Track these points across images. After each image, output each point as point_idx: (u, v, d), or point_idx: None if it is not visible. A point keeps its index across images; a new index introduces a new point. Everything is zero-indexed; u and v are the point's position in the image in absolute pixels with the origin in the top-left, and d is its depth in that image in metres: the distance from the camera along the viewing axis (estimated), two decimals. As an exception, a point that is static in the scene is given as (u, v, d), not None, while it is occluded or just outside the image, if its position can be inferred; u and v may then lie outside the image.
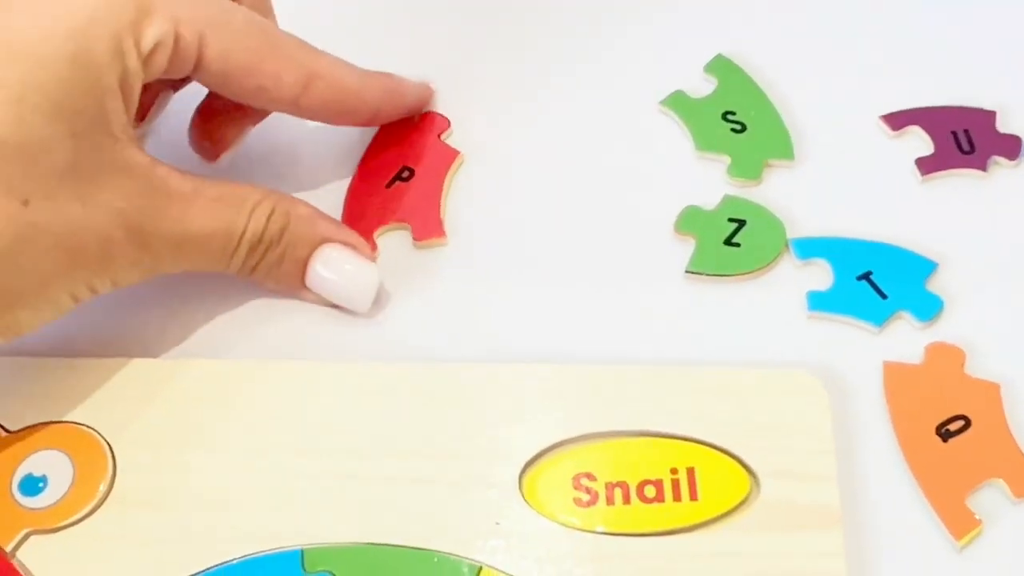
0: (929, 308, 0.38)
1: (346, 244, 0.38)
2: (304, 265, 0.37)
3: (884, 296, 0.38)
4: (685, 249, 0.40)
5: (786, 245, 0.39)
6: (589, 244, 0.40)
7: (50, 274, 0.33)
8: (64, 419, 0.37)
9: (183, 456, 0.36)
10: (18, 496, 0.35)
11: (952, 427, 0.35)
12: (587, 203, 0.41)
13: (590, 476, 0.35)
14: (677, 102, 0.43)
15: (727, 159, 0.42)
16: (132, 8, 0.33)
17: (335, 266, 0.37)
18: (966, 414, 0.35)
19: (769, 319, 0.38)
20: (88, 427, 0.36)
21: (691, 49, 0.45)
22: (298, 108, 0.38)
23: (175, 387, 0.37)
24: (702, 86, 0.44)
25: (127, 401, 0.37)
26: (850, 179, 0.41)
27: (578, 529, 0.34)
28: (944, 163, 0.41)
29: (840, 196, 0.41)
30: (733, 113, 0.43)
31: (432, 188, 0.41)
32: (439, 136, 0.43)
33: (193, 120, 0.41)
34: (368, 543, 0.34)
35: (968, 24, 0.45)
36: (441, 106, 0.43)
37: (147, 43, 0.33)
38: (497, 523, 0.34)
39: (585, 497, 0.34)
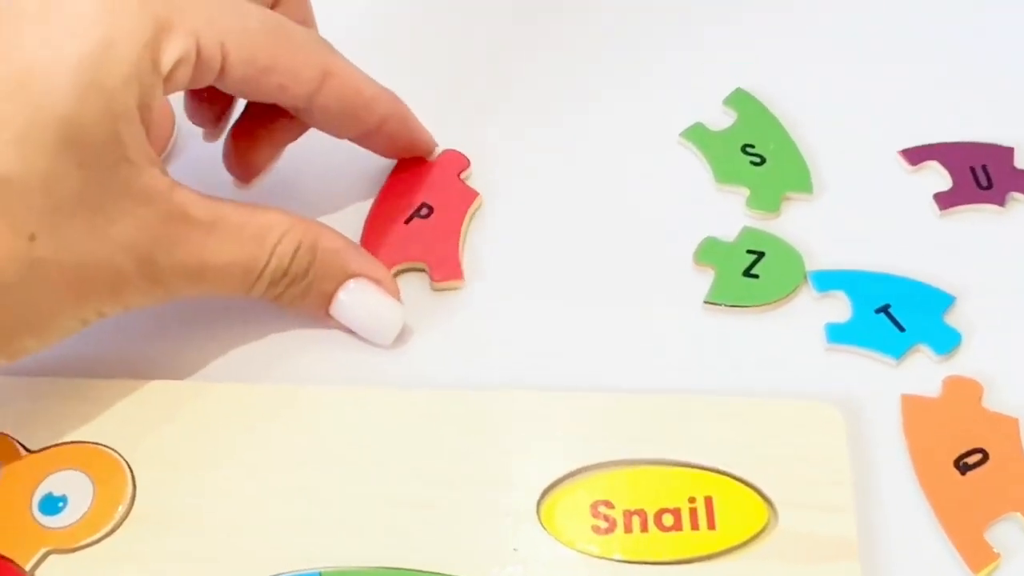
0: (947, 341, 0.38)
1: (373, 279, 0.37)
2: (330, 298, 0.37)
3: (902, 329, 0.38)
4: (704, 280, 0.40)
5: (804, 277, 0.40)
6: (609, 274, 0.40)
7: (57, 306, 0.33)
8: (85, 440, 0.37)
9: (203, 478, 0.36)
10: (38, 515, 0.35)
11: (970, 460, 0.35)
12: (607, 234, 0.41)
13: (608, 504, 0.35)
14: (697, 134, 0.44)
15: (746, 191, 0.42)
16: (150, 27, 0.32)
17: (361, 302, 0.37)
18: (984, 447, 0.35)
19: (787, 350, 0.38)
20: (108, 448, 0.36)
21: (711, 83, 0.45)
22: (312, 107, 0.37)
23: (196, 410, 0.37)
24: (721, 119, 0.44)
25: (148, 422, 0.37)
26: (868, 212, 0.41)
27: (595, 556, 0.34)
28: (962, 198, 0.41)
29: (858, 229, 0.41)
30: (752, 146, 0.43)
31: (451, 228, 0.41)
32: (459, 175, 0.43)
33: (226, 143, 0.40)
34: (386, 567, 0.34)
35: (986, 61, 0.46)
36: (461, 138, 0.44)
37: (167, 61, 0.33)
38: (515, 549, 0.34)
39: (603, 524, 0.35)
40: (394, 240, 0.41)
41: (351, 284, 0.37)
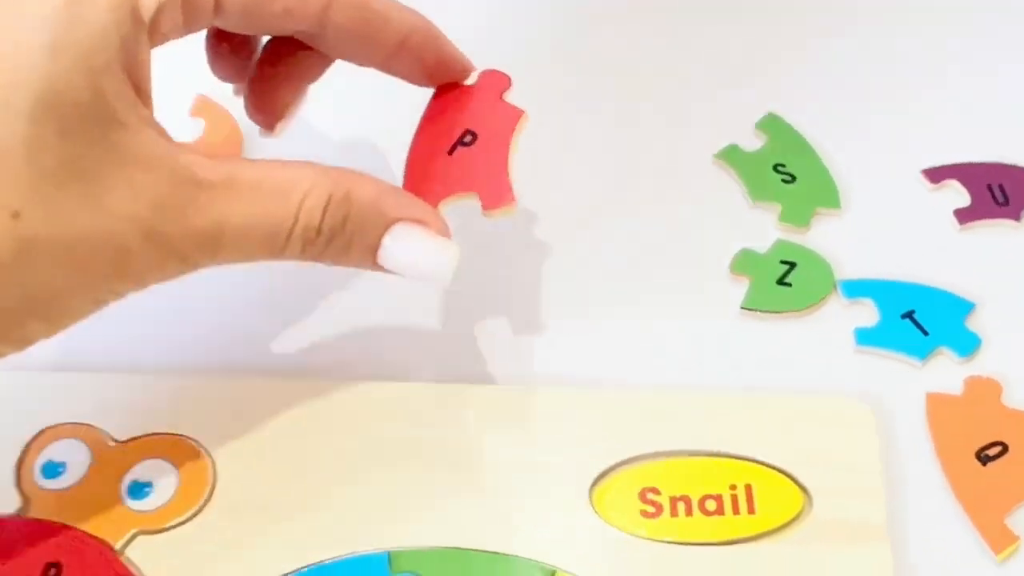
0: (968, 344, 0.41)
1: (419, 222, 0.34)
2: (375, 250, 0.34)
3: (926, 333, 0.41)
4: (740, 288, 0.43)
5: (834, 286, 0.43)
6: (651, 283, 0.43)
7: (60, 288, 0.30)
8: (168, 431, 0.39)
9: (280, 467, 0.38)
10: (127, 500, 0.38)
11: (991, 452, 0.38)
12: (650, 246, 0.44)
13: (655, 491, 0.38)
14: (731, 155, 0.47)
15: (778, 207, 0.45)
16: None
17: (409, 248, 0.34)
18: (1004, 440, 0.38)
19: (819, 353, 0.41)
20: (190, 438, 0.39)
21: (744, 108, 0.48)
22: (324, 30, 0.35)
23: (270, 403, 0.40)
24: (754, 141, 0.47)
25: (228, 415, 0.39)
26: (893, 227, 0.44)
27: (644, 538, 0.37)
28: (980, 213, 0.44)
29: (884, 242, 0.44)
30: (783, 165, 0.46)
31: (498, 151, 0.38)
32: (501, 95, 0.39)
33: (246, 90, 0.38)
34: (451, 547, 0.37)
35: (1003, 87, 0.49)
36: None
37: (148, 7, 0.30)
38: (570, 531, 0.37)
39: (651, 509, 0.37)
40: (438, 173, 0.38)
41: (396, 230, 0.34)
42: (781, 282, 0.42)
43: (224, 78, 0.39)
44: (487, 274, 0.43)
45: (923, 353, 0.40)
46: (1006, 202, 0.44)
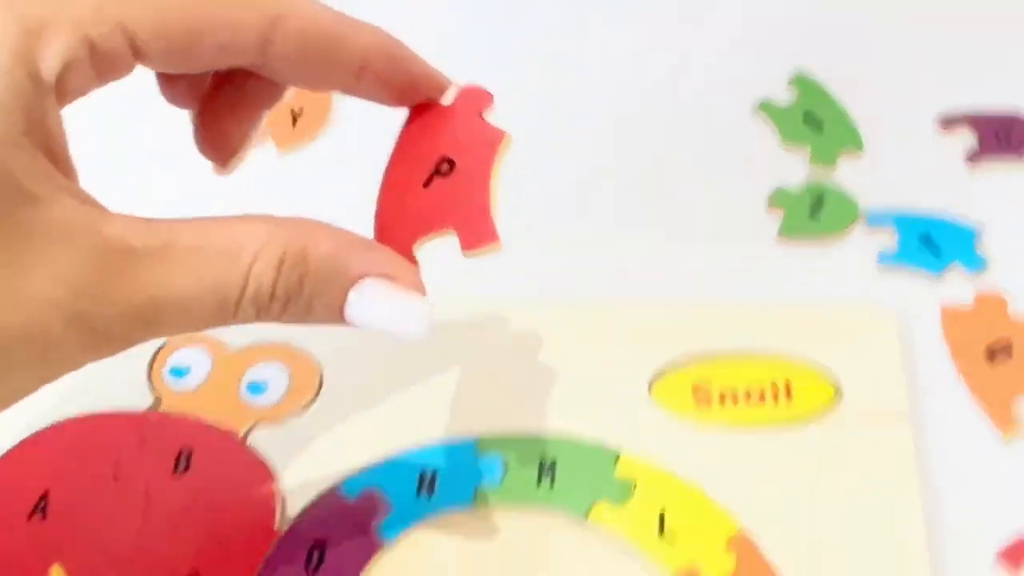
0: (977, 263, 0.46)
1: (387, 276, 0.31)
2: (339, 310, 0.30)
3: (940, 253, 0.47)
4: (776, 220, 0.48)
5: (859, 216, 0.48)
6: (698, 215, 0.49)
7: None
8: (278, 339, 0.45)
9: (379, 366, 0.44)
10: (245, 397, 0.44)
11: (998, 352, 0.44)
12: (696, 185, 0.50)
13: (706, 386, 0.43)
14: (766, 107, 0.53)
15: (808, 150, 0.51)
16: (17, 34, 0.26)
17: (378, 307, 0.31)
18: (1009, 343, 0.44)
19: (847, 272, 0.47)
20: (299, 345, 0.45)
21: (777, 64, 0.54)
22: (268, 60, 0.31)
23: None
24: (786, 95, 0.53)
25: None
26: (910, 166, 0.50)
27: (696, 424, 0.42)
28: (987, 155, 0.50)
29: (902, 179, 0.49)
30: (812, 114, 0.52)
31: (478, 181, 0.34)
32: (481, 114, 0.35)
33: (193, 128, 0.35)
34: (530, 432, 0.42)
35: (1010, 38, 0.55)
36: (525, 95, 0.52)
37: (50, 68, 0.27)
38: (632, 420, 0.43)
39: (702, 401, 0.43)
40: (413, 209, 0.34)
41: (362, 286, 0.30)
42: (812, 214, 0.48)
43: (179, 105, 0.35)
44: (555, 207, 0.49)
45: (938, 269, 0.46)
46: (1009, 143, 0.50)
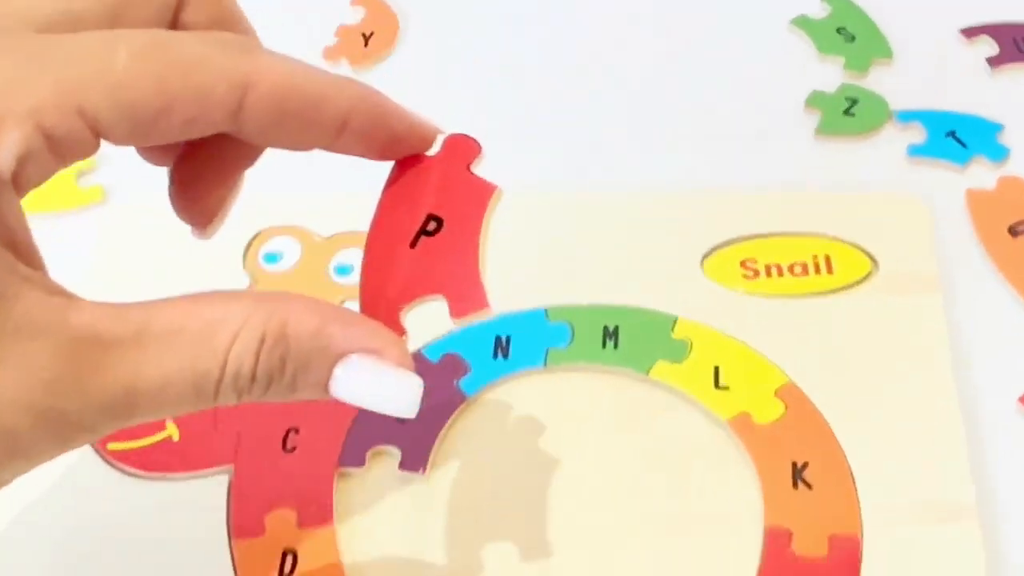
0: (999, 153, 0.51)
1: (372, 351, 0.29)
2: (324, 387, 0.29)
3: (965, 146, 0.51)
4: (814, 120, 0.53)
5: (890, 115, 0.53)
6: (742, 116, 0.53)
7: None
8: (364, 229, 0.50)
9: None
10: (334, 277, 0.48)
11: (1019, 228, 0.48)
12: (740, 90, 0.54)
13: (753, 261, 0.48)
14: (802, 22, 0.57)
15: (842, 59, 0.55)
16: None
17: (364, 384, 0.29)
18: (1030, 220, 0.48)
19: (880, 164, 0.51)
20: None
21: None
22: (242, 127, 0.29)
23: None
24: (820, 11, 0.58)
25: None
26: (936, 70, 0.54)
27: (745, 294, 0.47)
28: (1007, 60, 0.54)
29: (930, 83, 0.54)
30: (845, 28, 0.56)
31: (467, 244, 0.32)
32: (468, 166, 0.33)
33: (169, 190, 0.33)
34: (594, 302, 0.47)
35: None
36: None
37: (4, 163, 0.25)
38: (686, 291, 0.47)
39: (750, 274, 0.47)
40: (400, 271, 0.32)
41: (347, 362, 0.29)
42: (847, 113, 0.52)
43: (154, 164, 0.33)
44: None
45: (963, 159, 0.50)
46: (1029, 50, 0.54)
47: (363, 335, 0.29)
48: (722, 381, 0.43)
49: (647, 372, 0.44)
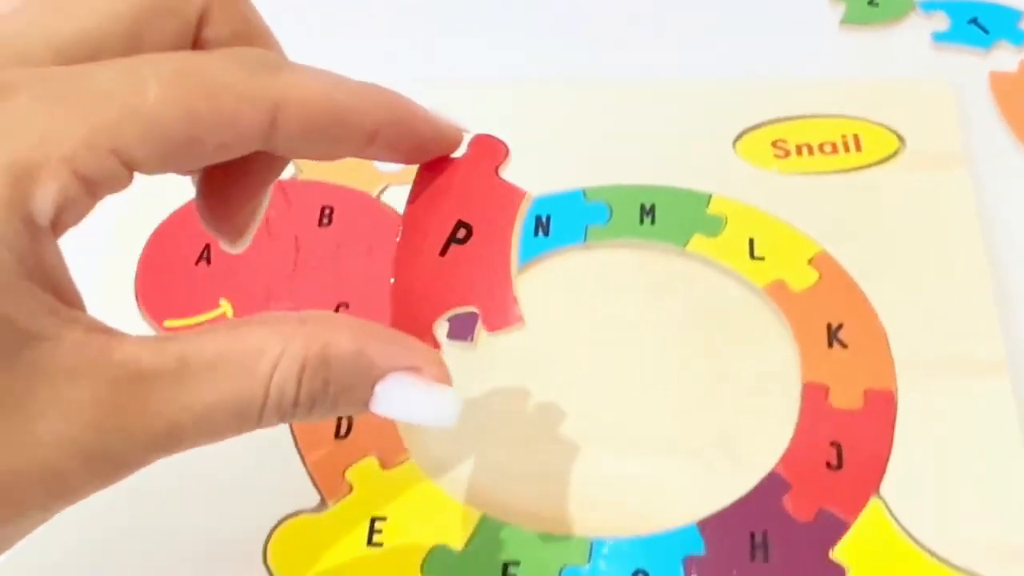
0: (1020, 37, 0.52)
1: (412, 370, 0.29)
2: (365, 402, 0.29)
3: (987, 32, 0.52)
4: (839, 11, 0.54)
5: (913, 5, 0.54)
6: (771, 7, 0.55)
7: None
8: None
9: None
10: (375, 164, 0.50)
11: (1043, 103, 0.49)
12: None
13: (784, 141, 0.49)
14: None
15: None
16: (5, 185, 0.24)
17: (404, 402, 0.29)
18: (1053, 97, 0.50)
19: (905, 52, 0.52)
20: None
21: None
22: (274, 146, 0.28)
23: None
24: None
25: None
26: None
27: (777, 173, 0.48)
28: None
29: (952, -26, 0.55)
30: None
31: (498, 254, 0.32)
32: (496, 170, 0.33)
33: (198, 207, 0.32)
34: (628, 182, 0.48)
35: None
36: None
37: (43, 211, 0.25)
38: (720, 170, 0.48)
39: (781, 153, 0.49)
40: (431, 282, 0.32)
41: (387, 381, 0.29)
42: (871, 3, 0.54)
43: (180, 174, 0.31)
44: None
45: (986, 44, 0.52)
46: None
47: (401, 354, 0.29)
48: (757, 252, 0.45)
49: (684, 246, 0.45)
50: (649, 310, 0.44)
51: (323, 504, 0.40)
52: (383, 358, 0.29)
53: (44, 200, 0.24)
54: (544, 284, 0.45)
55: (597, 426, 0.41)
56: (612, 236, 0.46)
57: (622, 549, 0.38)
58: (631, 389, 0.42)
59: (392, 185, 0.49)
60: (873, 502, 0.38)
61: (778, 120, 0.50)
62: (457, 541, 0.39)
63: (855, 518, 0.38)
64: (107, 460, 0.26)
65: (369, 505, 0.40)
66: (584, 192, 0.48)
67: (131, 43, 0.28)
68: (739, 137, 0.49)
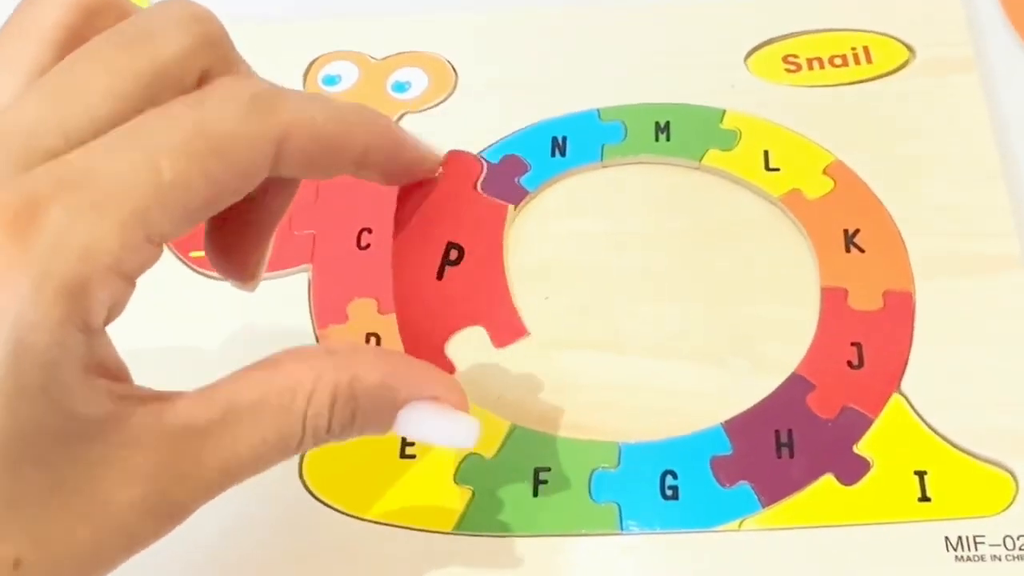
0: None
1: (432, 399, 0.31)
2: (389, 426, 0.31)
3: (995, -58, 0.53)
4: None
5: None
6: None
7: None
8: (418, 49, 0.52)
9: (512, 63, 0.51)
10: (392, 94, 0.50)
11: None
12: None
13: (794, 56, 0.49)
14: None
15: None
16: (60, 305, 0.25)
17: (425, 427, 0.32)
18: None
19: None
20: (437, 53, 0.51)
21: None
22: (278, 175, 0.30)
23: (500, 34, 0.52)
24: None
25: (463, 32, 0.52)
26: None
27: (790, 86, 0.49)
28: None
29: None
30: None
31: (493, 271, 0.33)
32: (474, 185, 0.34)
33: (208, 253, 0.34)
34: (645, 102, 0.49)
35: None
36: None
37: (97, 313, 0.26)
38: (732, 85, 0.49)
39: (792, 68, 0.49)
40: (433, 306, 0.33)
41: (409, 408, 0.31)
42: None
43: None
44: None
45: (992, -49, 0.52)
46: None
47: (423, 383, 0.31)
48: (772, 163, 0.46)
49: (699, 160, 0.46)
50: (667, 223, 0.45)
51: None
52: (406, 388, 0.31)
53: (99, 309, 0.26)
54: (563, 202, 0.46)
55: (620, 335, 0.42)
56: (628, 154, 0.47)
57: (650, 451, 0.39)
58: (654, 299, 0.43)
59: (409, 113, 0.49)
60: (895, 398, 0.39)
61: (789, 35, 0.50)
62: (488, 450, 0.39)
63: (878, 414, 0.39)
64: (170, 511, 0.28)
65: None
66: (599, 112, 0.48)
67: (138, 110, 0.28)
68: (750, 53, 0.50)
